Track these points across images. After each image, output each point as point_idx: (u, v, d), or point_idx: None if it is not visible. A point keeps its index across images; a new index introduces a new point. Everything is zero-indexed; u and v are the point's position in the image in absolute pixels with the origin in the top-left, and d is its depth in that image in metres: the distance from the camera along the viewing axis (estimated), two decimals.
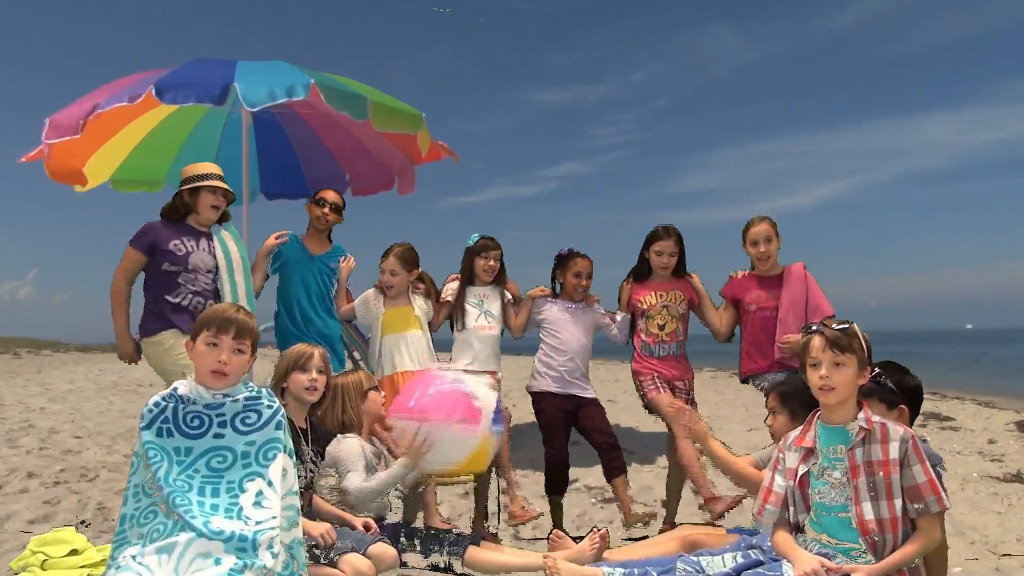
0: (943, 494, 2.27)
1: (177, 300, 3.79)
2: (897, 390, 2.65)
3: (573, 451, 4.18)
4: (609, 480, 4.07)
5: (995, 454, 6.90)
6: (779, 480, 2.51)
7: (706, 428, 3.13)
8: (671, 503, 4.20)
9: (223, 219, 4.03)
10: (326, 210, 4.35)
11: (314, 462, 2.97)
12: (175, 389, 2.34)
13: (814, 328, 2.43)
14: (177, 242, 3.81)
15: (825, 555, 2.31)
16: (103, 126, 4.02)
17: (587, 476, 5.49)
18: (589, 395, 4.17)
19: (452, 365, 4.10)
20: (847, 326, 2.40)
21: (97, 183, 5.08)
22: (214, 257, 3.89)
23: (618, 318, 4.23)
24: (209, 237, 3.92)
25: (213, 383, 2.33)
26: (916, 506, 2.26)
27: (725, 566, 2.49)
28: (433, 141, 4.93)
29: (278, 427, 2.36)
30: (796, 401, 2.89)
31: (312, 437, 2.99)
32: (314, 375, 2.94)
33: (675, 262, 4.15)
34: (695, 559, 2.55)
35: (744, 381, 4.12)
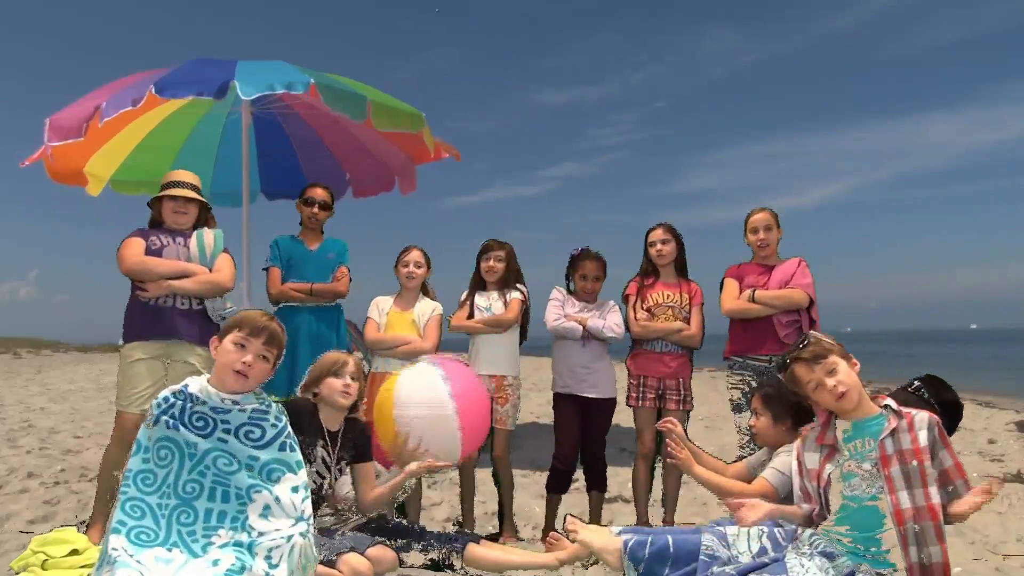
0: (967, 477, 2.36)
1: (146, 299, 3.69)
2: (935, 403, 2.72)
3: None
4: (588, 490, 4.19)
5: (995, 454, 6.90)
6: (806, 481, 2.53)
7: (687, 456, 3.03)
8: (668, 502, 4.20)
9: (209, 225, 3.93)
10: (315, 209, 4.34)
11: (328, 467, 2.95)
12: (186, 386, 2.35)
13: (787, 362, 2.51)
14: (154, 237, 3.77)
15: (829, 555, 2.29)
16: (104, 126, 4.01)
17: None
18: (599, 395, 4.10)
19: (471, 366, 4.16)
20: (806, 339, 2.48)
21: (101, 185, 5.08)
22: (188, 250, 3.77)
23: (607, 319, 4.12)
24: (187, 236, 3.84)
25: (233, 383, 2.33)
26: (948, 489, 2.32)
27: (750, 546, 2.46)
28: (436, 140, 4.93)
29: (282, 448, 2.35)
30: (779, 404, 2.92)
31: (342, 441, 3.01)
32: (348, 380, 2.99)
33: (670, 252, 4.14)
34: (720, 529, 2.51)
35: (725, 358, 4.09)
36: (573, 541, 2.74)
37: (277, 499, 2.26)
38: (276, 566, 2.15)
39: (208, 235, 3.85)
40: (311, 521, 2.34)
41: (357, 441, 3.07)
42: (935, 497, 2.27)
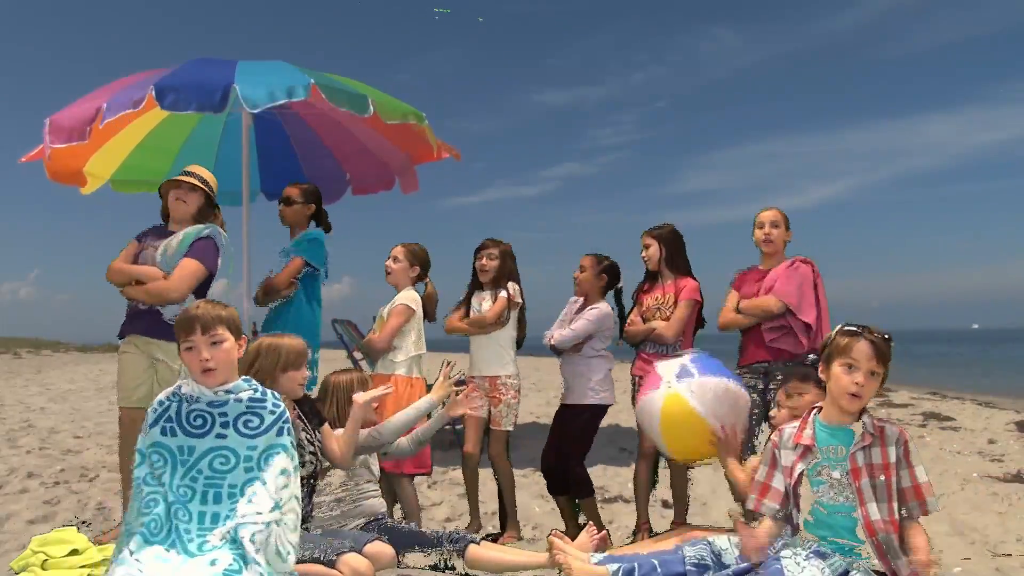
0: (926, 500, 2.33)
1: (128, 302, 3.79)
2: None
3: None
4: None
5: (995, 454, 6.89)
6: (778, 476, 2.50)
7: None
8: (678, 503, 4.19)
9: (216, 222, 3.91)
10: (281, 207, 4.43)
11: (313, 443, 2.93)
12: (179, 388, 2.36)
13: (858, 330, 2.36)
14: (144, 241, 3.83)
15: (822, 555, 2.30)
16: (104, 127, 4.02)
17: None
18: (567, 401, 4.14)
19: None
20: (889, 337, 2.36)
21: (98, 184, 5.08)
22: (156, 252, 3.74)
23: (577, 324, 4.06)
24: (172, 236, 3.78)
25: (205, 381, 2.34)
26: (903, 509, 2.33)
27: (730, 543, 2.47)
28: (437, 139, 4.93)
29: (280, 432, 2.36)
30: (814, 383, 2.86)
31: (307, 417, 2.97)
32: (306, 372, 2.95)
33: (652, 255, 4.11)
34: (697, 541, 2.54)
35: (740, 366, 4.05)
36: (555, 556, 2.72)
37: (264, 482, 2.27)
38: (260, 549, 2.17)
39: (176, 238, 3.75)
40: (297, 509, 2.34)
41: (314, 409, 3.04)
42: (896, 512, 2.32)
